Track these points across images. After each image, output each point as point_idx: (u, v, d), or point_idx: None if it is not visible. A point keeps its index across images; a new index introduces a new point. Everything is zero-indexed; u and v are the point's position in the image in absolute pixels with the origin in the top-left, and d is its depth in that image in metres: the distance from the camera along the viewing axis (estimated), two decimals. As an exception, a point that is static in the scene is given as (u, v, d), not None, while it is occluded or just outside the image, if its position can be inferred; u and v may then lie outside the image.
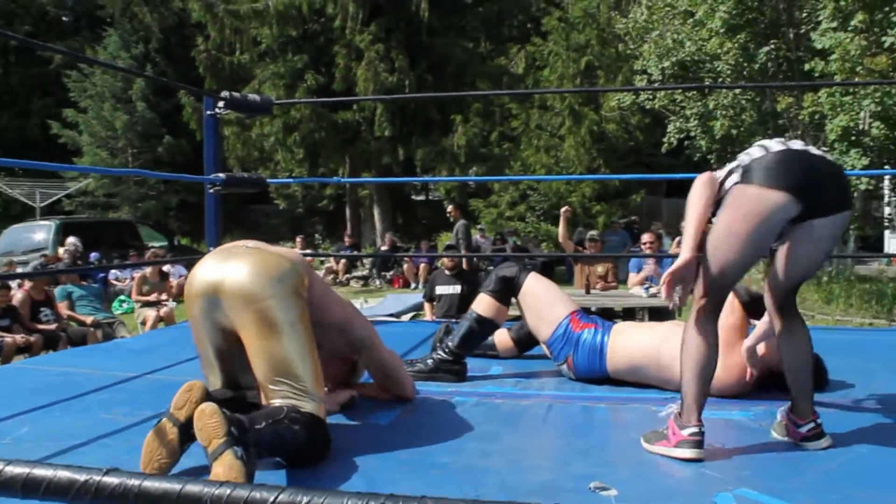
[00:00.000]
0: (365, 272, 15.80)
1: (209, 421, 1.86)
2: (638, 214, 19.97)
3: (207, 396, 2.03)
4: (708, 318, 2.24)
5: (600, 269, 9.00)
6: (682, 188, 23.47)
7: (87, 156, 22.93)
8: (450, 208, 15.66)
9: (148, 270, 9.78)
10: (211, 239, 5.03)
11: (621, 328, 3.17)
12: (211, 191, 4.77)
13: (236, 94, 4.60)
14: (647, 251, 8.25)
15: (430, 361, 3.21)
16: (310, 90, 17.33)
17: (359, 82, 17.26)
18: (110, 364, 3.51)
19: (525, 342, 3.47)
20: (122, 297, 12.03)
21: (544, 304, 3.22)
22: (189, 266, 14.11)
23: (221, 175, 4.78)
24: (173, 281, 11.02)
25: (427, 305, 7.97)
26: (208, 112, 4.91)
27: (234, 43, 18.33)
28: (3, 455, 0.76)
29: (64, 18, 26.70)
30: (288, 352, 2.15)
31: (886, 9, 9.79)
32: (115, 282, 12.97)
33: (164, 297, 9.52)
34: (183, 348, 3.84)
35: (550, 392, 3.01)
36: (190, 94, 17.97)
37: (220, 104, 4.56)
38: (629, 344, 3.06)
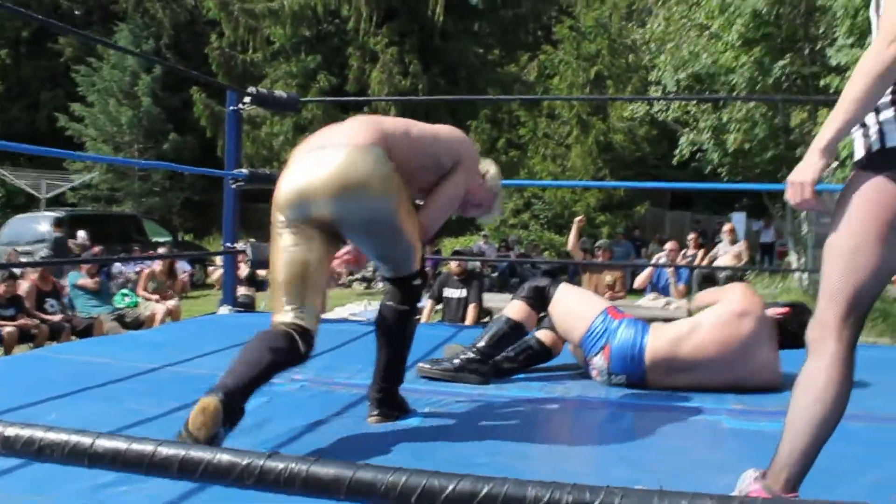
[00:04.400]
0: (368, 274, 15.76)
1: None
2: (641, 226, 19.99)
3: (223, 417, 2.01)
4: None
5: (609, 278, 9.01)
6: (687, 201, 23.48)
7: (91, 151, 22.88)
8: None
9: (157, 267, 9.75)
10: (228, 235, 5.01)
11: (658, 324, 3.20)
12: (233, 186, 4.75)
13: (263, 90, 4.59)
14: (670, 257, 8.35)
15: (456, 361, 3.20)
16: (322, 90, 17.36)
17: (372, 84, 17.28)
18: (131, 355, 3.49)
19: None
20: (125, 291, 11.99)
21: (578, 305, 3.22)
22: (194, 262, 14.12)
23: (244, 171, 4.76)
24: (179, 277, 10.99)
25: (428, 307, 7.94)
26: (231, 108, 4.90)
27: (247, 41, 18.37)
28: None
29: (76, 12, 26.70)
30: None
31: (901, 27, 9.76)
32: (117, 275, 12.93)
33: (169, 293, 9.49)
34: (200, 342, 3.84)
35: (576, 396, 3.00)
36: (205, 89, 17.98)
37: (247, 100, 4.54)
38: (669, 331, 3.11)
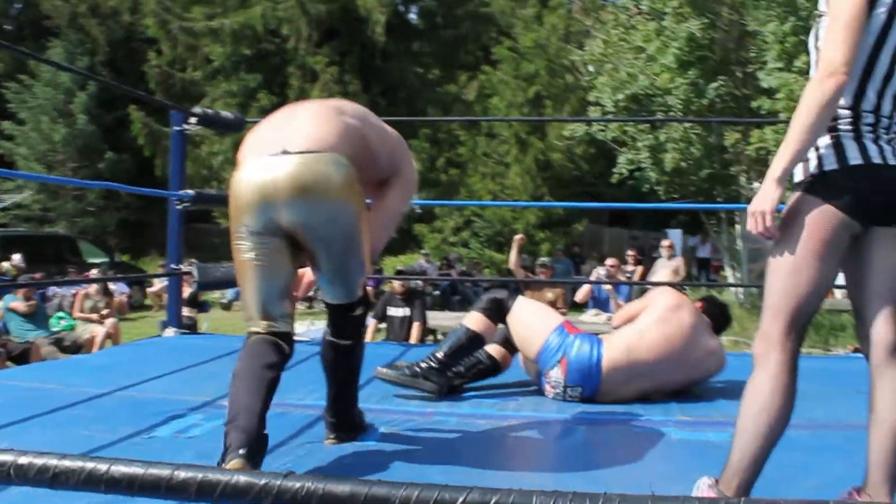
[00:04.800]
0: (310, 293, 15.64)
1: None
2: (580, 243, 20.28)
3: (252, 464, 2.02)
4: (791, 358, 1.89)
5: (550, 295, 9.13)
6: (625, 218, 23.88)
7: (22, 170, 22.28)
8: None
9: (91, 288, 9.56)
10: (173, 256, 4.96)
11: (608, 336, 3.33)
12: (178, 207, 4.70)
13: (209, 111, 4.57)
14: (610, 272, 8.51)
15: (416, 368, 3.24)
16: (263, 109, 17.22)
17: (312, 103, 17.26)
18: (77, 380, 3.43)
19: (512, 345, 3.44)
20: (61, 314, 11.71)
21: (536, 319, 3.30)
22: (131, 283, 13.85)
23: (190, 191, 4.73)
24: (116, 297, 10.78)
25: (371, 326, 7.94)
26: (176, 128, 4.87)
27: (186, 59, 18.16)
28: None
29: (7, 27, 26.04)
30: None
31: (829, 52, 10.18)
32: (52, 297, 12.63)
33: (105, 312, 9.32)
34: (147, 365, 3.79)
35: (528, 413, 3.05)
36: (143, 108, 17.70)
37: (193, 120, 4.51)
38: (620, 341, 3.23)
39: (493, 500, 0.60)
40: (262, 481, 0.61)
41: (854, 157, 1.83)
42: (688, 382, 3.33)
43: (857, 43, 1.79)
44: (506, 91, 18.44)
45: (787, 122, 8.45)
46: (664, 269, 10.40)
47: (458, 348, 3.29)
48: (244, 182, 2.21)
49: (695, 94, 11.61)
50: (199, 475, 0.64)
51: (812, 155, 1.87)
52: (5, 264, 12.36)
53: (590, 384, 3.17)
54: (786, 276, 1.86)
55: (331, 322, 2.47)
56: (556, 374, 3.19)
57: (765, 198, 1.82)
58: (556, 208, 17.43)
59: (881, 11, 1.84)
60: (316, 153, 2.20)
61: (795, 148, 1.79)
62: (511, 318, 3.32)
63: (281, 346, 2.25)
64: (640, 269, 11.32)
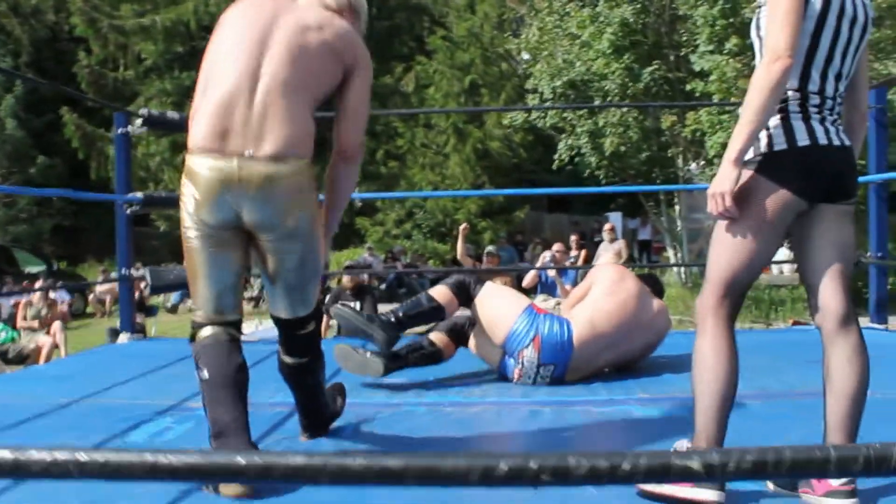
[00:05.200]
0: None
1: None
2: (522, 230, 20.49)
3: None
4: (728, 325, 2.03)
5: (499, 281, 9.23)
6: (565, 203, 24.12)
7: (-52, 178, 21.65)
8: None
9: (34, 296, 9.36)
10: (123, 260, 4.90)
11: (568, 314, 3.43)
12: (127, 211, 4.65)
13: (154, 112, 4.52)
14: (556, 258, 8.65)
15: (373, 315, 3.30)
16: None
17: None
18: (40, 391, 3.39)
19: (459, 337, 3.52)
20: (0, 326, 11.44)
21: (504, 302, 3.38)
22: (71, 291, 13.57)
23: (139, 194, 4.68)
24: (59, 306, 10.56)
25: (323, 322, 7.93)
26: (120, 130, 4.81)
27: (117, 58, 17.78)
28: None
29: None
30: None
31: (757, 35, 10.48)
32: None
33: (48, 320, 9.13)
34: (109, 371, 3.77)
35: (494, 399, 3.12)
36: (75, 109, 17.27)
37: (138, 122, 4.47)
38: (581, 316, 3.35)
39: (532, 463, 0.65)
40: (318, 461, 0.65)
41: (802, 139, 1.95)
42: (646, 347, 3.52)
43: (798, 28, 1.90)
44: (442, 81, 18.50)
45: (720, 104, 8.69)
46: (607, 252, 10.61)
47: (417, 313, 3.35)
48: (205, 176, 2.08)
49: (630, 78, 11.83)
50: (257, 458, 0.68)
51: (762, 135, 1.98)
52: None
53: (562, 361, 3.27)
54: (726, 249, 2.00)
55: (284, 340, 2.34)
56: (529, 354, 3.27)
57: (723, 179, 1.91)
58: (496, 197, 17.57)
59: (816, 2, 1.96)
60: (282, 160, 2.09)
61: (749, 129, 1.88)
62: (479, 302, 3.38)
63: (239, 342, 2.23)
64: (583, 252, 11.51)
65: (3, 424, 2.75)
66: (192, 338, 2.24)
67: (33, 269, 14.79)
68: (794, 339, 4.70)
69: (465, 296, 3.40)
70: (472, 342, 3.47)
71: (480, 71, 18.22)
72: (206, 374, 2.14)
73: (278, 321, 2.32)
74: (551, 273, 8.40)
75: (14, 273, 14.15)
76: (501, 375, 3.39)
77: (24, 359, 8.08)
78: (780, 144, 1.95)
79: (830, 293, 2.01)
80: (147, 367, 3.90)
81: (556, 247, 9.26)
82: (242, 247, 2.20)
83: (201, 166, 2.08)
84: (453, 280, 3.44)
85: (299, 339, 2.33)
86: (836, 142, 1.98)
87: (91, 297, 14.39)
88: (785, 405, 2.84)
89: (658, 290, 3.72)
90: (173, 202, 5.40)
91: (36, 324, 8.94)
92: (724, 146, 10.29)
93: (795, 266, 2.22)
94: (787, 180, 1.94)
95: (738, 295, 2.02)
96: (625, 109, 12.00)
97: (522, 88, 15.67)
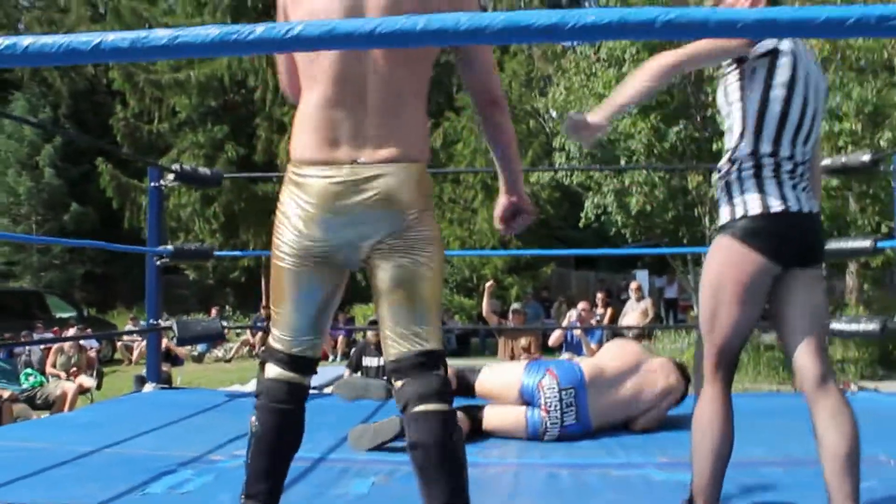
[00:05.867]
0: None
1: None
2: (548, 286, 20.45)
3: None
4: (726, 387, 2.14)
5: (523, 341, 9.21)
6: (591, 260, 24.09)
7: (-16, 223, 22.12)
8: None
9: (66, 344, 9.48)
10: (151, 311, 4.99)
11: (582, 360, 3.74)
12: (158, 263, 4.75)
13: (186, 167, 4.64)
14: (582, 316, 8.66)
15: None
16: (230, 161, 17.28)
17: (280, 154, 17.31)
18: (64, 438, 3.45)
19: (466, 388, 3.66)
20: (29, 371, 11.56)
21: (504, 370, 3.62)
22: (102, 339, 13.70)
23: (169, 247, 4.78)
24: (88, 353, 10.67)
25: (346, 377, 7.94)
26: (153, 184, 4.93)
27: (152, 111, 18.21)
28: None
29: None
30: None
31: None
32: (20, 353, 12.46)
33: (77, 370, 9.23)
34: (133, 421, 3.81)
35: (513, 460, 3.12)
36: (110, 160, 17.67)
37: (170, 177, 4.59)
38: (590, 364, 3.62)
39: None
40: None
41: (776, 205, 2.03)
42: (660, 393, 3.60)
43: None
44: (470, 137, 18.68)
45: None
46: (633, 310, 10.57)
47: None
48: (316, 186, 1.89)
49: (656, 137, 11.90)
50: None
51: (737, 200, 2.06)
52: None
53: (580, 386, 3.41)
54: (711, 317, 2.09)
55: (418, 380, 1.88)
56: (547, 382, 3.41)
57: (595, 115, 2.14)
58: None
59: (784, 62, 2.04)
60: (396, 165, 1.89)
61: (635, 91, 2.14)
62: (481, 383, 3.56)
63: (305, 394, 2.03)
64: (609, 311, 11.46)
65: (27, 472, 2.80)
66: (261, 366, 2.05)
67: (64, 315, 14.98)
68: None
69: (464, 385, 3.54)
70: (490, 420, 3.49)
71: (508, 128, 18.38)
72: (256, 426, 1.98)
73: (406, 363, 1.91)
74: (577, 332, 8.38)
75: (46, 318, 14.33)
76: (531, 437, 3.41)
77: (50, 405, 8.15)
78: (755, 210, 2.03)
79: (807, 356, 2.09)
80: (171, 417, 3.94)
81: (582, 305, 9.25)
82: (339, 275, 2.01)
83: (312, 177, 1.90)
84: (452, 371, 3.50)
85: (437, 380, 1.89)
86: (806, 208, 2.07)
87: (119, 344, 14.52)
88: (805, 473, 2.80)
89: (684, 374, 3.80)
90: (202, 254, 5.52)
91: (63, 374, 9.03)
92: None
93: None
94: (762, 245, 2.03)
95: (731, 359, 2.11)
96: (651, 169, 12.06)
97: (550, 146, 15.79)
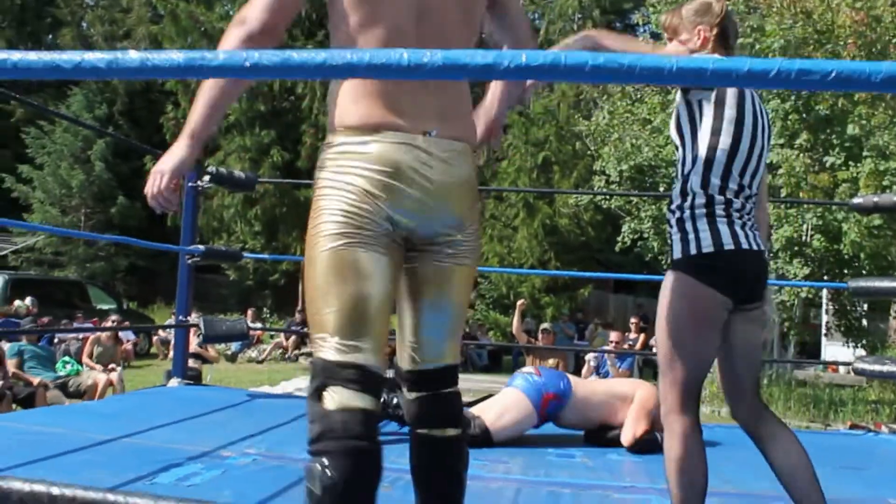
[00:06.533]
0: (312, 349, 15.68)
1: None
2: (585, 308, 20.36)
3: None
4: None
5: (551, 361, 9.21)
6: (630, 285, 23.98)
7: (38, 213, 22.67)
8: None
9: (103, 335, 9.69)
10: (181, 308, 5.11)
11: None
12: (189, 262, 4.86)
13: (222, 170, 4.76)
14: (614, 347, 8.66)
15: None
16: (275, 165, 17.55)
17: (325, 162, 17.54)
18: (83, 426, 3.55)
19: None
20: (66, 359, 11.83)
21: (501, 398, 3.79)
22: (138, 331, 13.95)
23: (200, 247, 4.90)
24: (125, 345, 10.90)
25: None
26: (190, 184, 5.05)
27: (203, 113, 18.58)
28: None
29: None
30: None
31: (828, 131, 10.44)
32: (58, 343, 12.76)
33: (114, 362, 9.43)
34: (152, 413, 3.91)
35: (517, 476, 3.15)
36: (157, 159, 18.03)
37: (206, 178, 4.70)
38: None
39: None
40: None
41: (728, 242, 2.07)
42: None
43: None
44: (515, 155, 18.73)
45: (786, 199, 8.56)
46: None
47: None
48: (381, 155, 1.63)
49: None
50: None
51: (691, 237, 2.09)
52: (18, 302, 12.52)
53: (565, 389, 3.69)
54: (671, 352, 2.10)
55: (438, 404, 1.76)
56: (528, 369, 3.89)
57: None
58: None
59: (730, 100, 2.10)
60: (465, 147, 1.73)
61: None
62: (496, 422, 3.63)
63: (378, 419, 1.69)
64: (642, 336, 11.41)
65: (41, 455, 2.89)
66: (316, 395, 1.58)
67: (104, 307, 15.29)
68: (850, 444, 4.59)
69: (481, 437, 3.63)
70: (495, 415, 3.65)
71: (554, 148, 18.41)
72: (329, 477, 1.51)
73: (429, 376, 1.76)
74: (609, 362, 8.39)
75: (86, 309, 14.66)
76: (535, 405, 3.65)
77: (82, 394, 8.34)
78: (708, 247, 2.06)
79: (745, 392, 2.19)
80: (190, 412, 4.03)
81: (614, 337, 9.25)
82: (400, 261, 1.71)
83: (376, 143, 1.63)
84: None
85: (456, 398, 1.79)
86: (755, 246, 2.11)
87: (155, 338, 14.78)
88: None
89: None
90: (231, 256, 5.64)
91: (99, 366, 9.22)
92: (789, 240, 10.24)
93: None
94: (717, 281, 2.07)
95: (696, 393, 2.13)
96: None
97: (592, 169, 15.78)
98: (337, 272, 1.60)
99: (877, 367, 4.59)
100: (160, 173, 1.67)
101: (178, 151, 1.69)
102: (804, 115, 10.38)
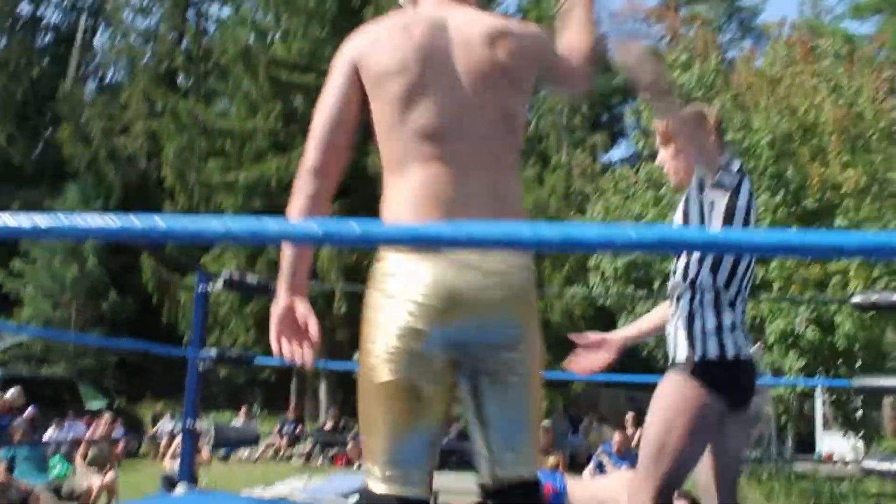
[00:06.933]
0: (308, 448, 15.43)
1: None
2: (577, 403, 20.21)
3: None
4: None
5: (552, 459, 9.17)
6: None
7: (29, 307, 22.55)
8: None
9: (97, 434, 9.57)
10: (189, 413, 5.08)
11: None
12: (200, 369, 4.87)
13: (235, 275, 4.82)
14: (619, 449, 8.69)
15: None
16: (271, 263, 17.55)
17: (321, 259, 17.57)
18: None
19: None
20: (57, 458, 11.59)
21: None
22: (128, 430, 13.76)
23: (212, 353, 4.91)
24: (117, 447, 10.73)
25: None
26: (200, 289, 5.08)
27: (199, 209, 18.72)
28: None
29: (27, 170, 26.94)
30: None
31: (817, 223, 10.66)
32: (50, 441, 12.51)
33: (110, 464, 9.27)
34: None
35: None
36: (153, 255, 18.14)
37: (219, 284, 4.75)
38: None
39: None
40: None
41: (730, 352, 2.15)
42: None
43: None
44: (528, 195, 18.80)
45: (778, 293, 8.66)
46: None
47: None
48: (433, 281, 1.59)
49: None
50: None
51: (697, 338, 2.15)
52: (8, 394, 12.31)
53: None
54: (659, 449, 2.14)
55: None
56: None
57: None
58: (553, 368, 17.49)
59: (741, 202, 2.18)
60: (521, 260, 1.69)
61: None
62: None
63: None
64: (639, 431, 11.32)
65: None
66: None
67: (94, 406, 15.10)
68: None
69: None
70: None
71: (544, 242, 18.56)
72: None
73: (506, 489, 1.71)
74: (604, 460, 8.37)
75: (76, 408, 14.46)
76: None
77: (75, 498, 8.19)
78: (713, 355, 2.13)
79: (720, 493, 2.22)
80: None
81: (617, 438, 9.21)
82: (450, 390, 1.71)
83: (426, 262, 1.59)
84: None
85: None
86: (750, 356, 2.23)
87: (147, 436, 14.55)
88: None
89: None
90: (243, 362, 5.65)
91: (94, 468, 9.06)
92: (783, 333, 10.30)
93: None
94: (717, 387, 2.14)
95: (668, 496, 2.14)
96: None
97: (586, 263, 15.91)
98: (384, 403, 1.63)
99: (885, 466, 4.61)
100: (273, 328, 1.80)
101: (279, 302, 1.82)
102: (792, 209, 10.61)
